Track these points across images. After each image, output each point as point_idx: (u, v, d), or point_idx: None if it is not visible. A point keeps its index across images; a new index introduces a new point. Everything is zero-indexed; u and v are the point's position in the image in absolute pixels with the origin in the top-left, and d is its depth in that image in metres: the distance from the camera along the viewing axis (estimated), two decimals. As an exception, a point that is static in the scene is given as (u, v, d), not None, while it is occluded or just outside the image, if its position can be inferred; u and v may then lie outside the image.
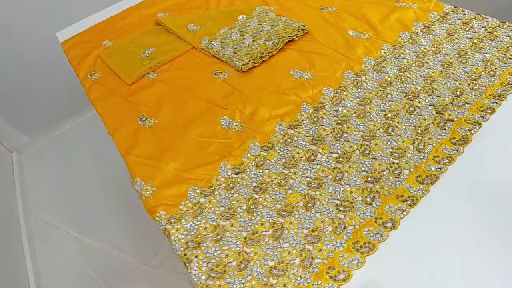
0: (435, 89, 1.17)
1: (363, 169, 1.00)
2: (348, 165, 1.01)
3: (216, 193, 1.01)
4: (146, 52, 1.45)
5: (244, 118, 1.17)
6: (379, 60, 1.29)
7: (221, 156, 1.09)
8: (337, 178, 0.99)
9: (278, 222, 0.93)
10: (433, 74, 1.22)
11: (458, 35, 1.34)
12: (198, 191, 1.03)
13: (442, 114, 1.10)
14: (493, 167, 0.95)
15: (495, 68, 1.20)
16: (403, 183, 0.95)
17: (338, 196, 0.95)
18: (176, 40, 1.50)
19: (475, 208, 0.88)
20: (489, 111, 1.08)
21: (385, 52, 1.32)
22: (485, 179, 0.93)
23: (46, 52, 2.24)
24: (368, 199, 0.93)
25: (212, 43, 1.42)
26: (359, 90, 1.20)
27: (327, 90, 1.21)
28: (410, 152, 1.01)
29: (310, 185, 0.98)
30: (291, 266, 0.84)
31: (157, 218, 1.00)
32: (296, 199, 0.97)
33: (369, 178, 0.97)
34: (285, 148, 1.08)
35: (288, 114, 1.16)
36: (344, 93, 1.20)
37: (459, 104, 1.12)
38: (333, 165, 1.02)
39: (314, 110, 1.16)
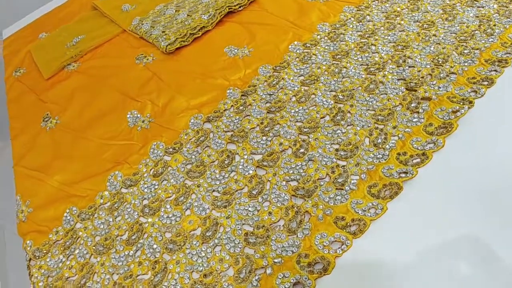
0: (408, 58, 0.75)
1: (291, 177, 0.62)
2: (273, 172, 0.63)
3: (96, 215, 0.67)
4: (74, 40, 1.12)
5: (155, 112, 0.82)
6: (337, 25, 0.88)
7: (115, 163, 0.74)
8: (253, 192, 0.61)
9: (161, 262, 0.57)
10: (406, 37, 0.80)
11: (444, -14, 0.91)
12: (75, 212, 0.69)
13: (415, 90, 0.69)
14: (487, 167, 0.54)
15: (494, 25, 0.76)
16: (346, 198, 0.57)
17: (251, 217, 0.58)
18: (108, 23, 1.15)
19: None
20: (485, 82, 0.66)
21: (345, 16, 0.91)
22: (474, 187, 0.53)
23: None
24: (292, 222, 0.55)
25: (142, 23, 1.06)
26: (305, 65, 0.80)
27: (263, 69, 0.83)
28: (364, 148, 0.62)
29: (216, 204, 0.62)
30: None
31: (24, 250, 0.67)
32: (193, 225, 0.60)
33: (298, 192, 0.59)
34: (194, 150, 0.71)
35: (209, 103, 0.79)
36: (285, 70, 0.81)
37: (441, 75, 0.70)
38: (252, 171, 0.64)
39: (242, 95, 0.78)
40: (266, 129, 0.70)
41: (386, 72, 0.74)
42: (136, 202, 0.66)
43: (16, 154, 0.85)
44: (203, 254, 0.56)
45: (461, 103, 0.64)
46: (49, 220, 0.69)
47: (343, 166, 0.61)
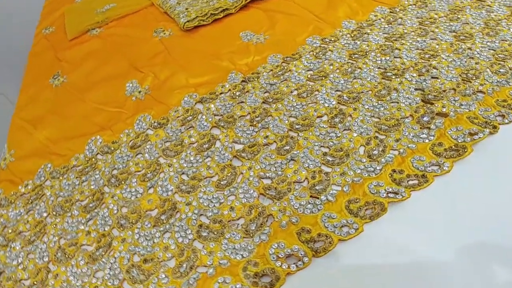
0: (433, 68, 0.64)
1: (267, 174, 0.53)
2: (249, 165, 0.55)
3: (65, 176, 0.62)
4: (105, 7, 1.10)
5: (154, 84, 0.76)
6: (364, 24, 0.78)
7: (100, 128, 0.69)
8: (222, 183, 0.53)
9: (107, 236, 0.51)
10: (437, 46, 0.68)
11: (492, 1, 0.77)
12: (49, 170, 0.64)
13: (432, 103, 0.57)
14: (497, 205, 0.43)
15: (546, 46, 0.63)
16: (319, 209, 0.47)
17: (211, 208, 0.50)
18: (142, -5, 1.12)
19: None
20: None
21: (375, 15, 0.80)
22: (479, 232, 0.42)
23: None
24: (252, 223, 0.47)
25: (170, -2, 1.01)
26: (318, 60, 0.71)
27: (273, 58, 0.74)
28: (356, 158, 0.52)
29: (180, 188, 0.54)
30: None
31: None
32: (151, 205, 0.54)
33: (269, 192, 0.50)
34: (178, 128, 0.64)
35: (208, 84, 0.72)
36: (295, 62, 0.72)
37: (466, 92, 0.58)
38: (228, 159, 0.56)
39: (242, 81, 0.70)
40: (257, 119, 0.62)
41: (404, 79, 0.63)
42: (105, 170, 0.61)
43: (19, 105, 0.83)
44: (150, 238, 0.49)
45: (483, 126, 0.52)
46: (24, 172, 0.66)
47: (327, 173, 0.51)
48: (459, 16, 0.75)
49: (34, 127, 0.74)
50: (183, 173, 0.57)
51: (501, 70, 0.61)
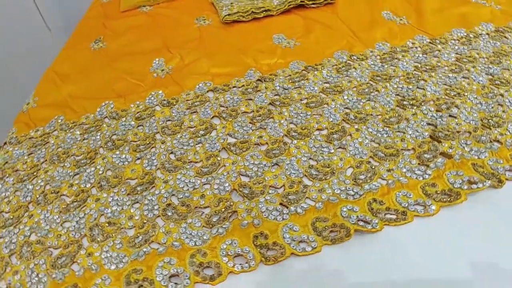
0: (455, 106, 0.59)
1: (248, 172, 0.52)
2: (234, 159, 0.54)
3: (72, 130, 0.65)
4: (162, -11, 1.15)
5: (178, 66, 0.77)
6: (398, 49, 0.74)
7: (117, 95, 0.72)
8: (203, 170, 0.53)
9: (85, 193, 0.53)
10: (467, 86, 0.63)
11: (550, 50, 0.70)
12: (60, 121, 0.68)
13: (439, 142, 0.53)
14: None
15: None
16: (284, 218, 0.45)
17: (184, 191, 0.50)
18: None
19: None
20: None
21: (413, 43, 0.75)
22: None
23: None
24: (216, 215, 0.46)
25: (220, -9, 1.03)
26: (338, 75, 0.69)
27: (295, 64, 0.73)
28: (340, 178, 0.49)
29: (164, 165, 0.55)
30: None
31: (7, 133, 0.69)
32: (133, 174, 0.55)
33: (243, 189, 0.49)
34: (183, 110, 0.65)
35: (226, 76, 0.72)
36: (315, 72, 0.70)
37: (482, 138, 0.53)
38: (217, 149, 0.56)
39: (258, 80, 0.70)
40: (258, 118, 0.61)
41: (419, 111, 0.58)
42: (106, 134, 0.63)
43: (57, 60, 0.88)
44: (121, 204, 0.50)
45: (486, 177, 0.47)
46: (39, 119, 0.70)
47: (306, 185, 0.49)
48: (501, 61, 0.69)
49: (62, 81, 0.79)
50: (172, 152, 0.57)
51: (531, 124, 0.55)
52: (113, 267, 0.44)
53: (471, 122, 0.56)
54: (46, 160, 0.61)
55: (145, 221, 0.48)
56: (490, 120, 0.56)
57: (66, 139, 0.64)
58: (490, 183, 0.46)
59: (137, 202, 0.51)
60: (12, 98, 1.09)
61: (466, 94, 0.62)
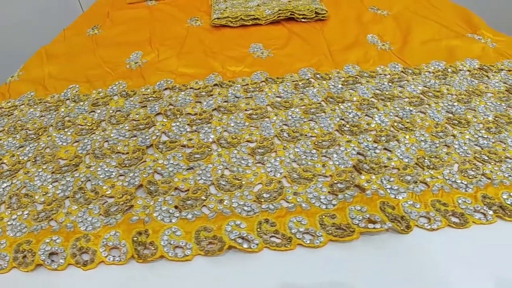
0: (396, 140, 0.56)
1: (158, 169, 0.53)
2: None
3: (35, 106, 0.70)
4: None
5: (152, 61, 0.80)
6: (365, 74, 0.71)
7: (86, 80, 0.75)
8: (126, 162, 0.55)
9: (20, 164, 0.56)
10: (419, 121, 0.59)
11: (526, 98, 0.64)
12: (30, 97, 0.73)
13: (360, 173, 0.51)
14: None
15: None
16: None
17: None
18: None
19: None
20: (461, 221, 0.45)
21: (383, 70, 0.72)
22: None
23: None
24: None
25: (223, -6, 1.05)
26: (294, 91, 0.68)
27: (258, 75, 0.73)
28: (234, 198, 0.49)
29: (94, 154, 0.57)
30: None
31: None
32: (67, 154, 0.57)
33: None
34: (136, 103, 0.67)
35: (189, 76, 0.74)
36: (273, 86, 0.69)
37: (407, 178, 0.50)
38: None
39: (215, 85, 0.70)
40: (197, 121, 0.62)
41: (355, 139, 0.56)
42: (61, 114, 0.66)
43: (55, 40, 0.94)
44: (43, 180, 0.53)
45: (391, 219, 0.44)
46: (16, 92, 0.75)
47: (210, 194, 0.49)
48: (471, 100, 0.64)
49: (48, 60, 0.84)
50: (107, 141, 0.59)
51: (470, 172, 0.51)
52: (11, 234, 0.47)
53: (405, 159, 0.53)
54: (3, 130, 0.66)
55: (54, 200, 0.50)
56: (426, 160, 0.53)
57: (28, 113, 0.69)
58: (391, 226, 0.44)
59: (56, 181, 0.53)
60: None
61: (415, 129, 0.58)
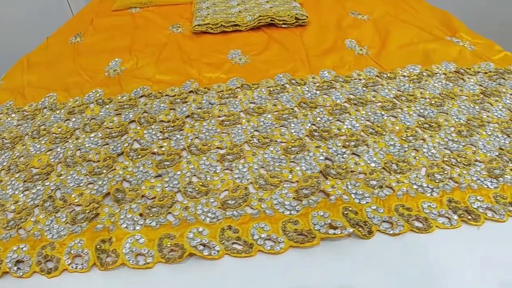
0: (365, 145, 0.56)
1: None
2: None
3: (12, 115, 0.70)
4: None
5: (131, 68, 0.81)
6: (340, 79, 0.72)
7: (64, 88, 0.76)
8: (96, 170, 0.55)
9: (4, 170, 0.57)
10: (390, 125, 0.60)
11: (497, 100, 0.65)
12: (9, 106, 0.73)
13: (326, 178, 0.51)
14: None
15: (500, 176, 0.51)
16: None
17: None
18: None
19: None
20: (424, 225, 0.45)
21: (358, 75, 0.73)
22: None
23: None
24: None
25: (205, 1, 1.06)
26: (268, 97, 0.68)
27: (234, 81, 0.73)
28: (199, 205, 0.49)
29: (66, 163, 0.58)
30: None
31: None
32: (39, 163, 0.58)
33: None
34: (111, 111, 0.67)
35: (165, 83, 0.74)
36: (248, 92, 0.70)
37: (372, 183, 0.50)
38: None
39: (190, 91, 0.71)
40: (170, 128, 0.62)
41: (324, 145, 0.57)
42: (38, 123, 0.67)
43: (40, 47, 0.95)
44: (15, 188, 0.54)
45: (352, 224, 0.44)
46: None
47: (176, 200, 0.49)
48: (444, 103, 0.64)
49: (28, 69, 0.84)
50: (79, 149, 0.60)
51: (437, 176, 0.51)
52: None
53: (372, 163, 0.53)
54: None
55: (24, 208, 0.51)
56: (394, 165, 0.53)
57: (5, 123, 0.69)
58: (353, 231, 0.44)
59: (28, 189, 0.54)
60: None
61: (384, 133, 0.59)
